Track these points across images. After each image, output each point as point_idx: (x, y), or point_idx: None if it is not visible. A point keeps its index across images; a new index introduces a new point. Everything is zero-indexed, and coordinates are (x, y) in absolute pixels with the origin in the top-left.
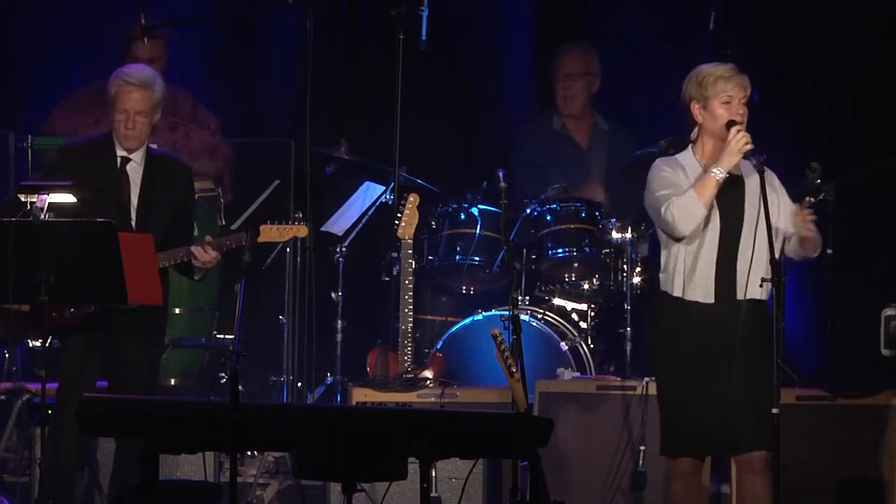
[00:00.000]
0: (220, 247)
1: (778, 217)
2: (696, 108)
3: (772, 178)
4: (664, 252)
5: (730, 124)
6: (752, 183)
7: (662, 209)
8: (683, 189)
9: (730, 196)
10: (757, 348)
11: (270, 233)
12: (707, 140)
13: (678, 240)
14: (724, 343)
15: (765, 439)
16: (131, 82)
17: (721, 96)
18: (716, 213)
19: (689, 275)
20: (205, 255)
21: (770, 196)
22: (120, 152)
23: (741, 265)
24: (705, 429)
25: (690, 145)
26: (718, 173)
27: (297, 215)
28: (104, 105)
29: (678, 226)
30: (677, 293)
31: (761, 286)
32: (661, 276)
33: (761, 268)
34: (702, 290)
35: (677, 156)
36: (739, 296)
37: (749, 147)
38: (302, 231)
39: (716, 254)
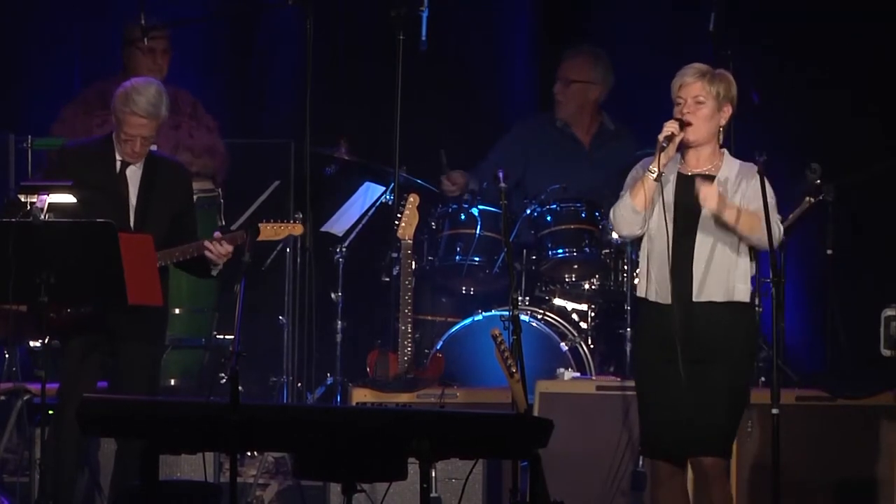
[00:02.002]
0: (233, 241)
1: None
2: None
3: (750, 173)
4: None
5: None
6: (727, 181)
7: (609, 213)
8: None
9: (690, 194)
10: (721, 353)
11: (266, 231)
12: None
13: (630, 241)
14: (687, 347)
15: (715, 447)
16: (138, 113)
17: (675, 98)
18: (670, 212)
19: (648, 275)
20: (220, 248)
21: (739, 186)
22: (119, 156)
23: (696, 266)
24: (667, 433)
25: None
26: (649, 174)
27: (297, 216)
28: (109, 106)
29: (615, 228)
30: (640, 293)
31: (754, 287)
32: None
33: (722, 269)
34: (659, 290)
35: None
36: (695, 297)
37: (663, 135)
38: (297, 229)
39: (669, 253)
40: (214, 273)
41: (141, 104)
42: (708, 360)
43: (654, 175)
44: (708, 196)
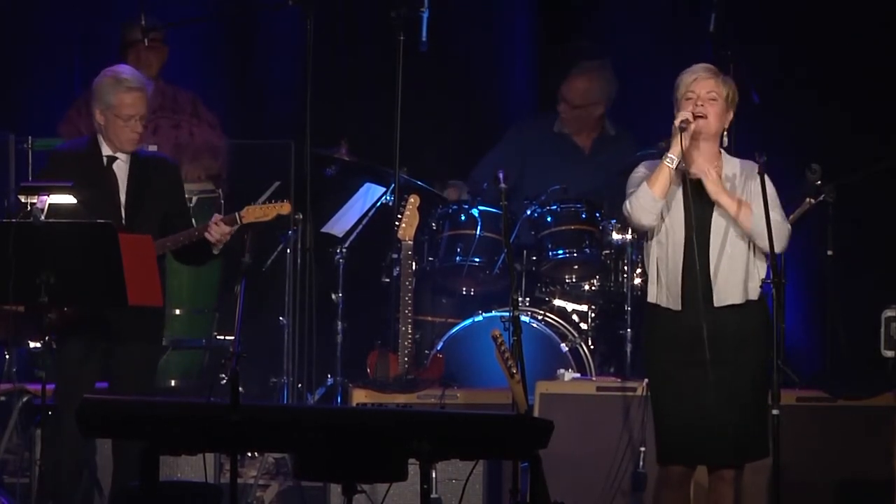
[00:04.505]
0: (230, 222)
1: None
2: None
3: (752, 173)
4: (645, 258)
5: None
6: (729, 178)
7: (624, 205)
8: None
9: (699, 196)
10: (738, 356)
11: (255, 212)
12: None
13: (646, 235)
14: (701, 351)
15: (737, 457)
16: (132, 87)
17: (686, 93)
18: (681, 216)
19: (659, 281)
20: (221, 228)
21: (745, 185)
22: (106, 151)
23: (714, 271)
24: (688, 439)
25: None
26: (668, 161)
27: (297, 216)
28: None
29: (633, 216)
30: (651, 299)
31: (761, 287)
32: None
33: (739, 271)
34: (670, 296)
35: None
36: (716, 303)
37: (679, 119)
38: (285, 208)
39: (681, 258)
40: (216, 252)
41: (129, 81)
42: (730, 361)
43: (675, 163)
44: (710, 175)
